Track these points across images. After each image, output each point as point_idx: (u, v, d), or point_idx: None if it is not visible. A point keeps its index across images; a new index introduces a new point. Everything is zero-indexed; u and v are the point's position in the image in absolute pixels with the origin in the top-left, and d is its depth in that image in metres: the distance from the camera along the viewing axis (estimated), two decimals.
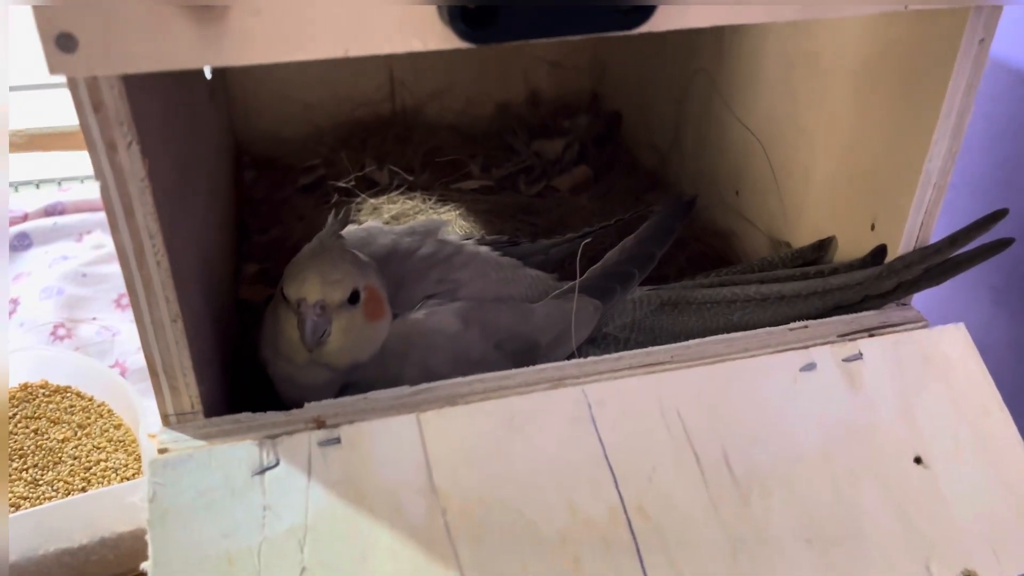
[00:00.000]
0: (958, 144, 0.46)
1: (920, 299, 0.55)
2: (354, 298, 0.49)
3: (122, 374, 0.70)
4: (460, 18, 0.32)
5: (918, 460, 0.44)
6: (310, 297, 0.48)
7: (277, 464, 0.40)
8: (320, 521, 0.39)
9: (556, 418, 0.43)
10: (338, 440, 0.41)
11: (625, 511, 0.41)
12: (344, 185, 0.77)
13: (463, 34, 0.33)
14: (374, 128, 0.88)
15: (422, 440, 0.41)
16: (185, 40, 0.31)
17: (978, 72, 0.44)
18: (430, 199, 0.78)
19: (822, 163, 0.56)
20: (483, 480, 0.41)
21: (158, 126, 0.40)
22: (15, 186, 0.93)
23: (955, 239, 0.48)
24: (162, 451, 0.41)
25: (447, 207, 0.77)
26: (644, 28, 0.35)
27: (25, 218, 0.86)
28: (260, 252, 0.72)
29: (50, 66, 0.31)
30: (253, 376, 0.55)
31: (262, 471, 0.39)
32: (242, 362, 0.59)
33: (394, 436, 0.41)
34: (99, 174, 0.35)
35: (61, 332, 0.72)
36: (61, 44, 0.30)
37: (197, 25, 0.31)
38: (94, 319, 0.75)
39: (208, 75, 0.69)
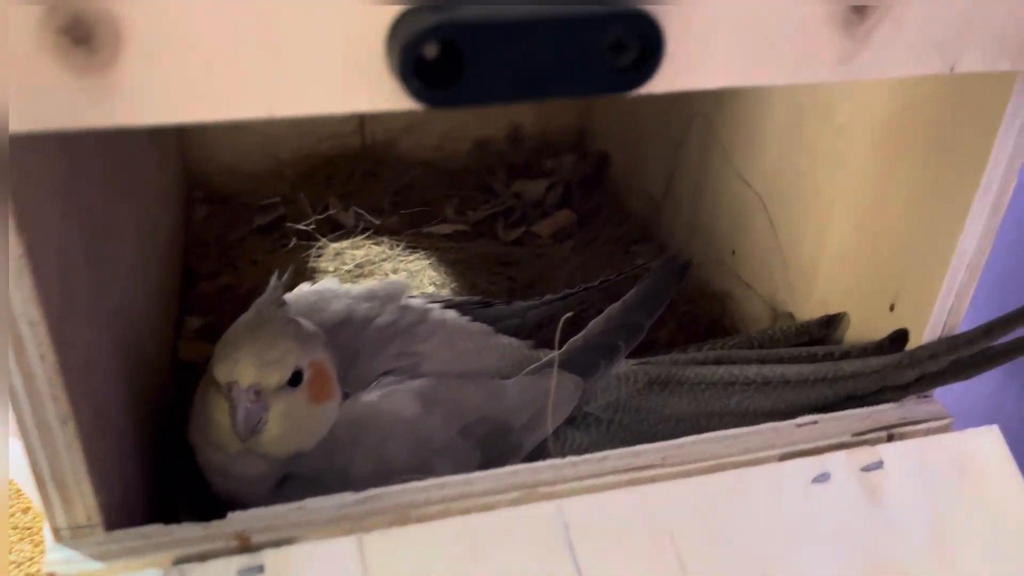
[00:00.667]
0: (997, 221, 0.40)
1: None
2: (296, 379, 0.42)
3: None
4: (415, 75, 0.26)
5: None
6: (243, 380, 0.41)
7: None
8: None
9: (526, 540, 0.36)
10: (261, 569, 0.34)
11: None
12: (304, 228, 0.70)
13: (418, 94, 0.26)
14: (340, 163, 0.81)
15: (363, 567, 0.34)
16: (62, 93, 0.25)
17: (1023, 143, 0.38)
18: (398, 245, 0.71)
19: (836, 230, 0.50)
20: None
21: (51, 188, 0.33)
22: None
23: (991, 329, 0.42)
24: None
25: (417, 255, 0.70)
26: (641, 90, 0.28)
27: None
28: (206, 303, 0.65)
29: None
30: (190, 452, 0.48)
31: None
32: (177, 434, 0.52)
33: (330, 562, 0.34)
34: None
35: None
36: None
37: (77, 76, 0.25)
38: None
39: None
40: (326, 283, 0.53)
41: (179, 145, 0.77)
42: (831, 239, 0.50)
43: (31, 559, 0.47)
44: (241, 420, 0.40)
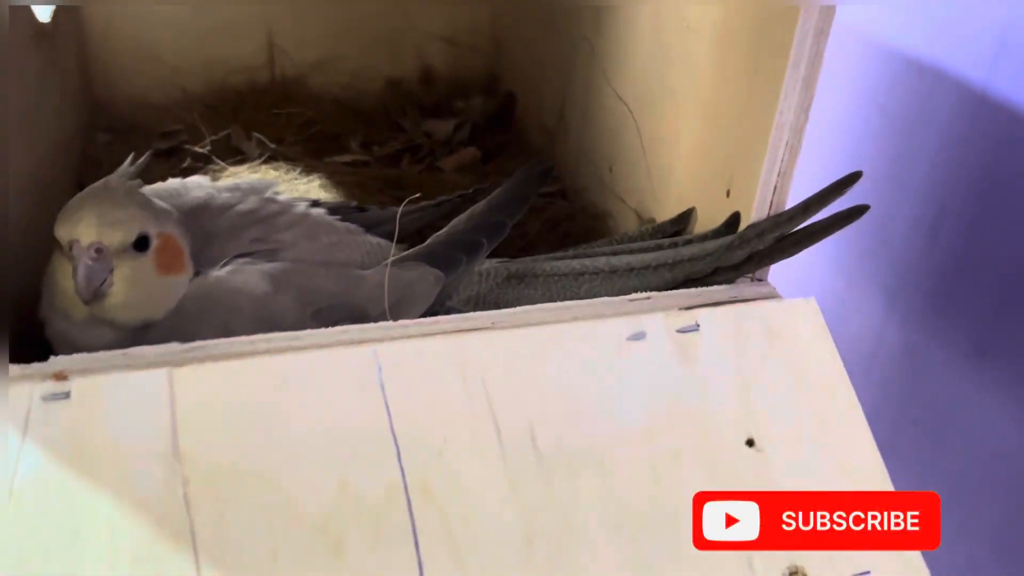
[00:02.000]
0: (810, 97, 0.42)
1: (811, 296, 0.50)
2: (142, 244, 0.43)
3: None
4: None
5: (750, 443, 0.39)
6: (84, 238, 0.41)
7: None
8: (29, 488, 0.32)
9: (339, 381, 0.37)
10: (67, 395, 0.34)
11: (406, 490, 0.35)
12: (200, 150, 0.71)
13: None
14: (248, 97, 0.82)
15: (172, 398, 0.35)
16: None
17: (828, 17, 0.40)
18: (295, 170, 0.72)
19: (687, 129, 0.52)
20: (240, 448, 0.35)
21: None
22: None
23: (808, 205, 0.44)
24: None
25: (311, 178, 0.71)
26: None
27: None
28: None
29: None
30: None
31: None
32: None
33: (138, 392, 0.35)
34: None
35: None
36: None
37: None
38: None
39: (43, 16, 0.63)
40: (194, 178, 0.54)
41: (82, 72, 0.77)
42: (683, 139, 0.52)
43: None
44: (82, 278, 0.41)
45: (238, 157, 0.74)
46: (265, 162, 0.72)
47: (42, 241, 0.58)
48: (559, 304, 0.43)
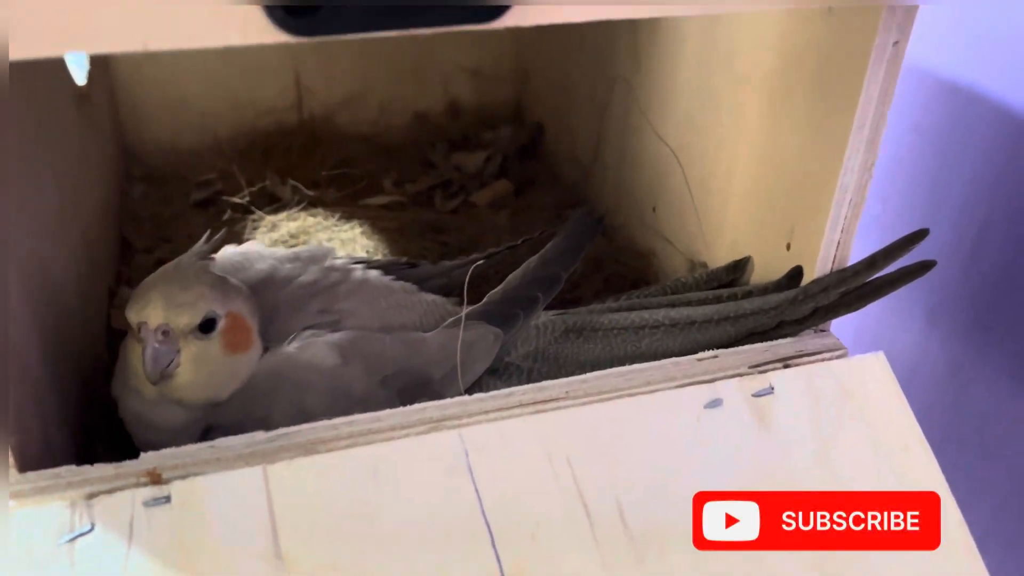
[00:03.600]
0: (874, 156, 0.42)
1: (852, 321, 0.51)
2: (208, 326, 0.43)
3: None
4: (281, 7, 0.27)
5: None
6: (152, 320, 0.42)
7: (91, 529, 0.34)
8: None
9: (427, 468, 0.37)
10: (167, 499, 0.35)
11: (502, 574, 0.36)
12: (239, 201, 0.71)
13: (284, 24, 0.27)
14: (278, 139, 0.82)
15: (268, 497, 0.36)
16: None
17: (892, 78, 0.40)
18: (333, 215, 0.72)
19: (739, 177, 0.52)
20: (339, 543, 0.35)
21: None
22: None
23: (874, 261, 0.44)
24: None
25: (351, 224, 0.71)
26: (498, 24, 0.30)
27: None
28: (141, 275, 0.66)
29: None
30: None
31: (73, 538, 0.34)
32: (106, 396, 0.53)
33: (235, 492, 0.35)
34: None
35: None
36: None
37: None
38: None
39: (80, 80, 0.63)
40: (252, 245, 0.54)
41: (114, 121, 0.77)
42: (735, 187, 0.52)
43: None
44: (149, 359, 0.42)
45: (275, 204, 0.74)
46: (303, 209, 0.73)
47: (95, 300, 0.58)
48: (630, 369, 0.44)
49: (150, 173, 0.79)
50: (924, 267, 0.44)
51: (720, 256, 0.55)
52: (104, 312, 0.60)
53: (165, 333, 0.42)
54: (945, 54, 0.69)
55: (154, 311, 0.42)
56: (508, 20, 0.29)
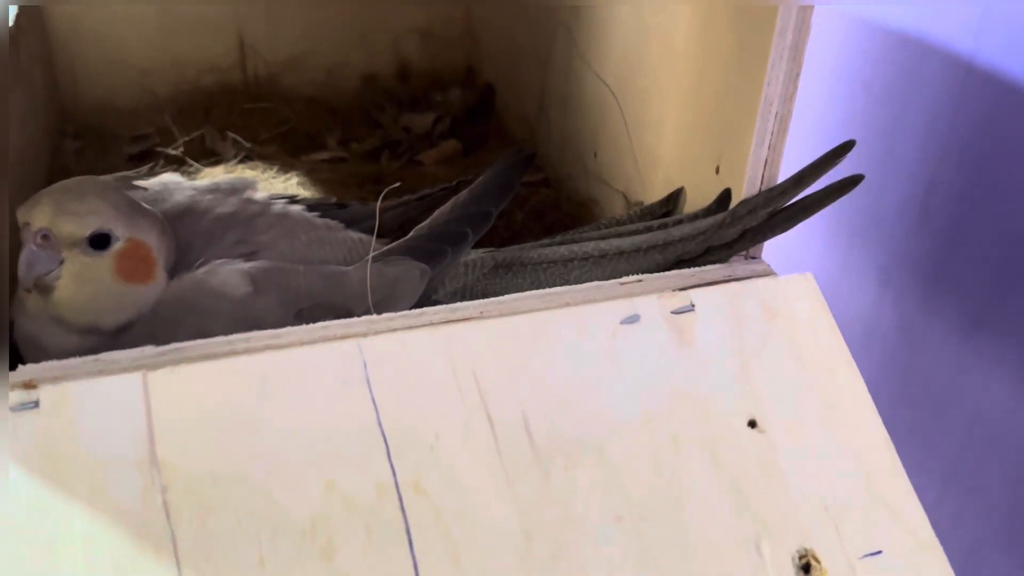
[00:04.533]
0: (798, 67, 0.41)
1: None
2: (100, 242, 0.41)
3: None
4: None
5: (752, 424, 0.38)
6: (34, 222, 0.40)
7: None
8: (1, 502, 0.31)
9: (322, 379, 0.35)
10: (36, 404, 0.33)
11: (397, 488, 0.34)
12: (173, 152, 0.69)
13: None
14: (219, 98, 0.80)
15: (147, 404, 0.33)
16: None
17: None
18: (271, 169, 0.70)
19: (672, 110, 0.51)
20: (221, 453, 0.33)
21: None
22: None
23: (801, 177, 0.43)
24: None
25: (288, 175, 0.69)
26: None
27: None
28: None
29: None
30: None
31: None
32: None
33: (111, 399, 0.33)
34: None
35: None
36: None
37: None
38: None
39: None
40: (170, 176, 0.52)
41: (47, 78, 0.75)
42: (670, 120, 0.51)
43: None
44: (23, 262, 0.40)
45: (213, 159, 0.72)
46: (241, 162, 0.71)
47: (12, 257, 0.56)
48: (548, 291, 0.42)
49: (85, 131, 0.77)
50: (852, 181, 0.42)
51: (656, 193, 0.53)
52: None
53: (45, 237, 0.40)
54: (892, 6, 0.68)
55: (40, 212, 0.40)
56: None
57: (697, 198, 0.48)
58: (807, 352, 0.40)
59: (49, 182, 0.68)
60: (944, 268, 0.68)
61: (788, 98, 0.41)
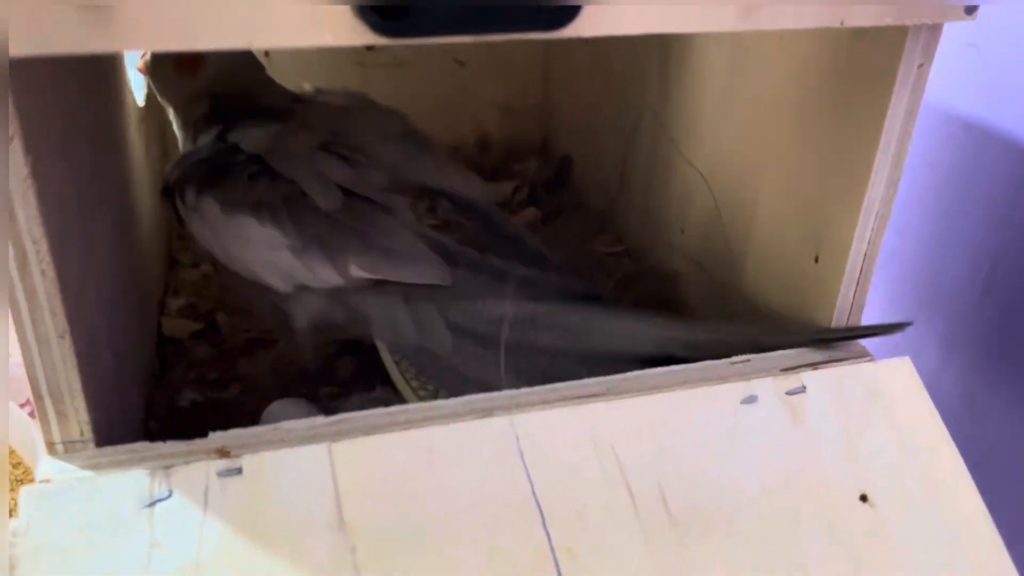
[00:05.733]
0: (899, 172, 0.45)
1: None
2: None
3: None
4: (372, 10, 0.30)
5: (863, 498, 0.41)
6: None
7: (169, 496, 0.36)
8: (214, 559, 0.35)
9: (480, 450, 0.40)
10: (239, 470, 0.37)
11: (552, 551, 0.37)
12: None
13: (376, 27, 0.31)
14: None
15: (332, 471, 0.38)
16: (67, 22, 0.29)
17: (917, 98, 0.43)
18: None
19: (766, 196, 0.55)
20: (398, 516, 0.37)
21: (53, 126, 0.37)
22: None
23: (852, 332, 0.47)
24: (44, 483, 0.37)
25: None
26: (569, 32, 0.33)
27: None
28: (188, 287, 0.69)
29: None
30: (172, 418, 0.52)
31: (152, 503, 0.36)
32: (161, 402, 0.55)
33: (302, 467, 0.38)
34: None
35: None
36: None
37: (83, 6, 0.29)
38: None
39: (140, 101, 0.67)
40: None
41: (162, 142, 0.81)
42: (764, 205, 0.55)
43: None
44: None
45: None
46: None
47: (148, 308, 0.60)
48: (667, 369, 0.46)
49: None
50: (899, 327, 0.46)
51: (748, 274, 0.58)
52: (156, 320, 0.63)
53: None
54: (957, 92, 0.72)
55: None
56: (579, 28, 0.32)
57: (794, 284, 0.52)
58: (908, 432, 0.44)
59: (169, 240, 0.73)
60: (1008, 341, 0.72)
61: (888, 200, 0.46)
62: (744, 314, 0.59)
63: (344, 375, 0.62)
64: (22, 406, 0.65)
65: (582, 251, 0.73)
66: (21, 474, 0.52)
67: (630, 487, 0.40)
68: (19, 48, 0.29)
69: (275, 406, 0.54)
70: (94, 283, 0.43)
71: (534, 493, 0.39)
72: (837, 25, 0.37)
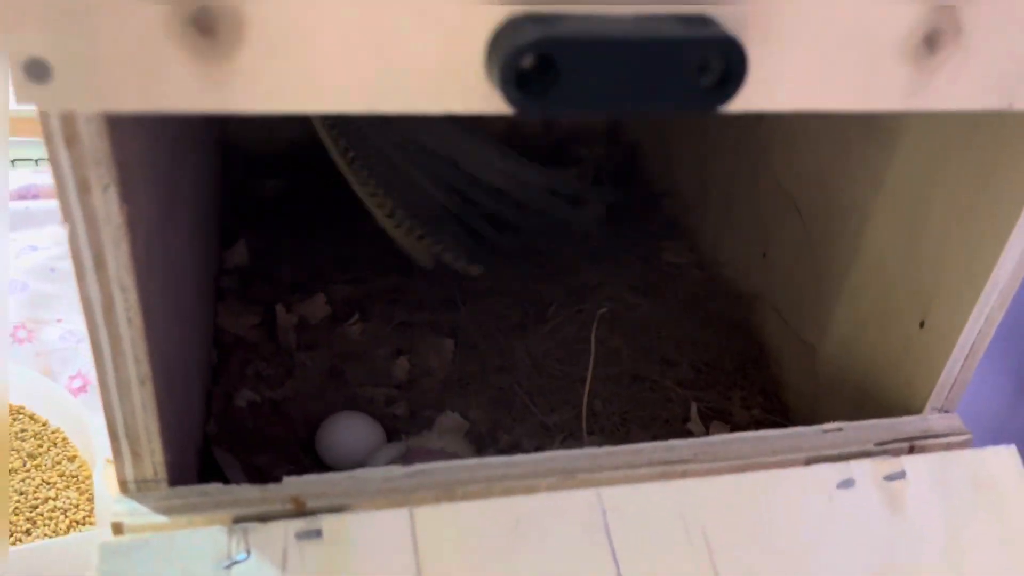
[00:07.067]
0: None
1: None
2: None
3: (83, 387, 0.64)
4: (514, 84, 0.27)
5: None
6: None
7: (247, 557, 0.35)
8: None
9: (566, 524, 0.38)
10: (319, 533, 0.35)
11: None
12: None
13: (515, 102, 0.27)
14: None
15: (414, 538, 0.36)
16: (183, 79, 0.26)
17: None
18: None
19: (869, 241, 0.52)
20: None
21: (142, 164, 0.35)
22: None
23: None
24: (116, 526, 0.36)
25: None
26: (720, 110, 0.30)
27: None
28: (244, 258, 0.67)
29: (18, 94, 0.26)
30: (227, 411, 0.50)
31: (230, 565, 0.34)
32: (219, 401, 0.54)
33: (383, 531, 0.36)
34: (67, 217, 0.30)
35: (21, 334, 0.66)
36: (31, 72, 0.25)
37: (199, 63, 0.26)
38: (59, 321, 0.69)
39: None
40: None
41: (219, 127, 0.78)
42: (865, 251, 0.52)
43: (76, 506, 0.49)
44: None
45: None
46: None
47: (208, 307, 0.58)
48: (755, 434, 0.44)
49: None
50: None
51: (836, 327, 0.55)
52: (211, 315, 0.61)
53: None
54: None
55: None
56: (732, 106, 0.29)
57: (892, 348, 0.49)
58: (1010, 526, 0.41)
59: (220, 211, 0.71)
60: None
61: (1016, 278, 0.42)
62: (829, 371, 0.56)
63: (400, 378, 0.61)
64: (72, 379, 0.64)
65: (646, 256, 0.70)
66: (76, 468, 0.51)
67: (717, 571, 0.38)
68: (132, 104, 0.26)
69: (336, 423, 0.52)
70: (173, 319, 0.41)
71: (619, 572, 0.37)
72: (1006, 108, 0.34)
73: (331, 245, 0.71)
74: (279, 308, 0.62)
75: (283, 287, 0.66)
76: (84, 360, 0.66)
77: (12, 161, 0.86)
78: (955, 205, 0.44)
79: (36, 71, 0.25)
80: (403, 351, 0.62)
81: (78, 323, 0.70)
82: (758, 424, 0.59)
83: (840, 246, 0.55)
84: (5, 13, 0.24)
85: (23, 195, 0.81)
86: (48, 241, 0.76)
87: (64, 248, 0.75)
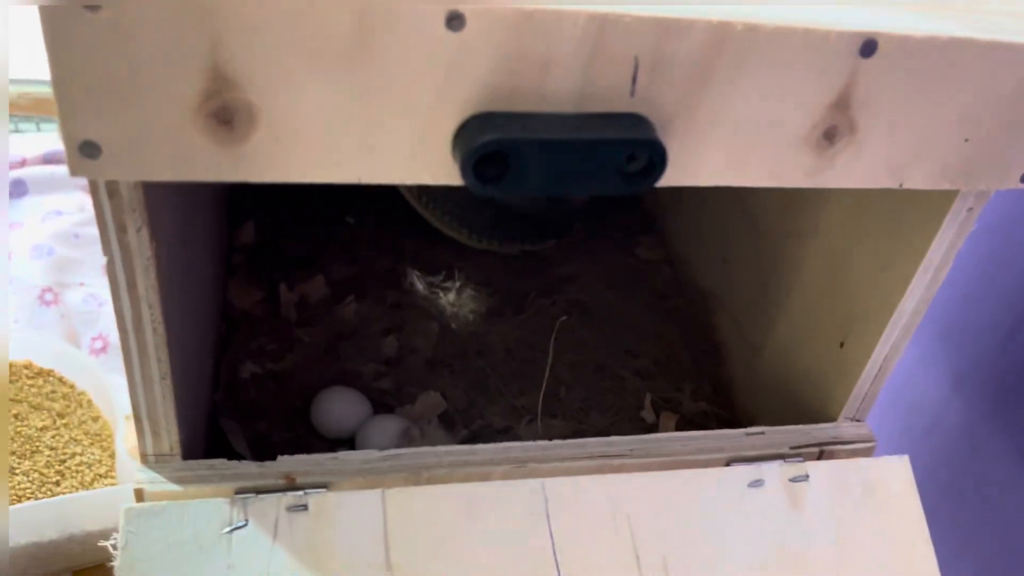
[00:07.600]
0: (932, 293, 0.48)
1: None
2: None
3: (103, 348, 0.72)
4: (472, 171, 0.33)
5: None
6: None
7: (245, 524, 0.42)
8: None
9: (512, 509, 0.45)
10: (305, 507, 0.43)
11: None
12: None
13: (472, 185, 0.34)
14: None
15: (384, 516, 0.44)
16: (206, 158, 0.32)
17: (961, 235, 0.46)
18: None
19: (809, 265, 0.58)
20: (440, 560, 0.43)
21: (169, 209, 0.41)
22: (15, 122, 0.93)
23: None
24: (137, 491, 0.43)
25: None
26: (651, 187, 0.36)
27: (23, 163, 0.86)
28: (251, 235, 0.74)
29: (71, 168, 0.32)
30: (233, 381, 0.57)
31: (231, 530, 0.42)
32: (225, 372, 0.61)
33: (359, 509, 0.43)
34: (106, 250, 0.37)
35: (48, 297, 0.73)
36: (85, 151, 0.31)
37: (219, 145, 0.32)
38: (82, 284, 0.76)
39: None
40: None
41: None
42: (802, 279, 0.58)
43: (99, 461, 0.57)
44: None
45: None
46: None
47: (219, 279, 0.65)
48: (688, 434, 0.51)
49: None
50: None
51: (776, 335, 0.61)
52: (222, 299, 0.68)
53: None
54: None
55: None
56: (656, 184, 0.35)
57: (818, 361, 0.56)
58: (894, 529, 0.49)
59: (229, 191, 0.77)
60: (1019, 391, 0.76)
61: (918, 314, 0.49)
62: (764, 368, 0.63)
63: (389, 355, 0.68)
64: (94, 340, 0.71)
65: (621, 252, 0.76)
66: (100, 428, 0.59)
67: (638, 555, 0.45)
68: (165, 176, 0.33)
69: (329, 397, 0.59)
70: (190, 323, 0.48)
71: (555, 554, 0.44)
72: (897, 186, 0.40)
73: (333, 226, 0.77)
74: (282, 287, 0.69)
75: (287, 263, 0.72)
76: (105, 322, 0.74)
77: (38, 125, 0.92)
78: (872, 250, 0.51)
79: (88, 150, 0.31)
80: (392, 330, 0.69)
81: (100, 287, 0.77)
82: (704, 416, 0.66)
83: (784, 269, 0.61)
84: (66, 105, 0.30)
85: (49, 159, 0.87)
86: (72, 207, 0.83)
87: (87, 215, 0.82)
